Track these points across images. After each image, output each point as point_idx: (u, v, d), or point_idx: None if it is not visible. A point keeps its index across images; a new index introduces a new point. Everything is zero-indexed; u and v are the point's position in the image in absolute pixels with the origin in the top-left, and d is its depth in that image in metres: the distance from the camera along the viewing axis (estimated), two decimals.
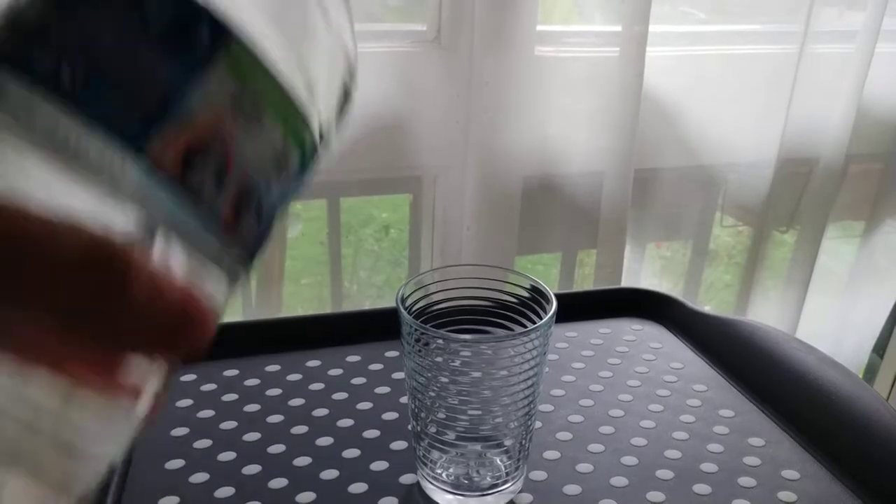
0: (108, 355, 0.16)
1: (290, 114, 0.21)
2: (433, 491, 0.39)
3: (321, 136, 0.23)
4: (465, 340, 0.36)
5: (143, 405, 0.18)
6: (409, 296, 0.37)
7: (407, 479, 0.40)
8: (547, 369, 0.50)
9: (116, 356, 0.16)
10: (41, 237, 0.15)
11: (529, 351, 0.35)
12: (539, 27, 0.74)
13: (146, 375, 0.17)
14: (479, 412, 0.37)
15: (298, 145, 0.22)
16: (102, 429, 0.17)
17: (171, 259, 0.17)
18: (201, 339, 0.17)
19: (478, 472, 0.38)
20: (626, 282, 0.90)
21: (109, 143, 0.17)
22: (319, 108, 0.22)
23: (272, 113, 0.20)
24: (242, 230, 0.20)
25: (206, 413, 0.45)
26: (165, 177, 0.17)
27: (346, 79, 0.24)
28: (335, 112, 0.24)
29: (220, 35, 0.19)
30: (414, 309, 0.38)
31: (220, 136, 0.19)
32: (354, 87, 0.24)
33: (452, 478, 0.38)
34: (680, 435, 0.44)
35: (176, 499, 0.38)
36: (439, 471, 0.38)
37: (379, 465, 0.41)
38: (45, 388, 0.16)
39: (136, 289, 0.16)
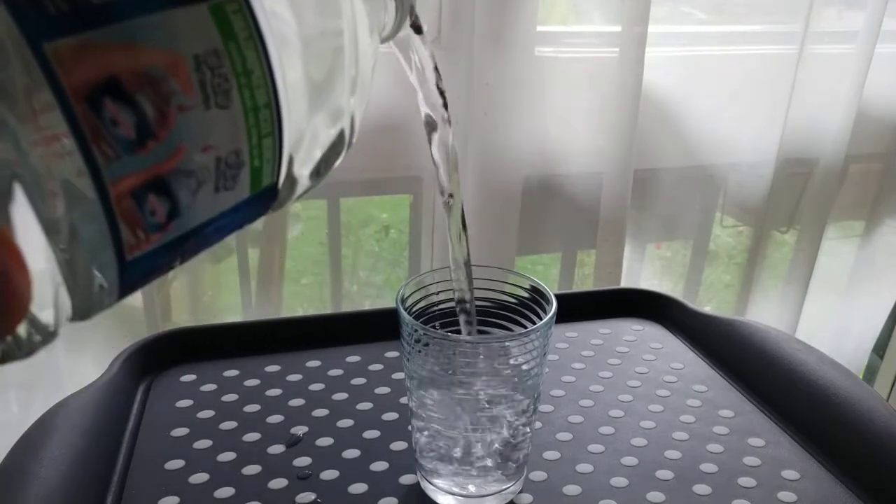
0: None
1: (265, 119, 0.16)
2: (433, 492, 0.39)
3: (282, 182, 0.18)
4: (465, 341, 0.36)
5: None
6: (409, 296, 0.37)
7: (407, 479, 0.40)
8: (547, 369, 0.50)
9: None
10: None
11: (529, 351, 0.35)
12: (539, 27, 0.74)
13: None
14: (479, 413, 0.37)
15: (256, 165, 0.17)
16: None
17: (12, 209, 0.13)
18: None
19: (478, 472, 0.38)
20: (626, 282, 0.90)
21: None
22: (298, 154, 0.18)
23: (245, 99, 0.16)
24: (136, 221, 0.14)
25: (206, 413, 0.45)
26: (60, 87, 0.13)
27: (329, 154, 0.20)
28: (308, 172, 0.19)
29: None
30: (414, 309, 0.38)
31: (164, 89, 0.14)
32: (328, 169, 0.20)
33: (452, 478, 0.38)
34: (680, 435, 0.44)
35: (176, 499, 0.38)
36: (439, 471, 0.38)
37: (379, 466, 0.41)
38: None
39: None
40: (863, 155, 0.96)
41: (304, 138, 0.18)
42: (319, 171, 0.20)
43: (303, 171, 0.19)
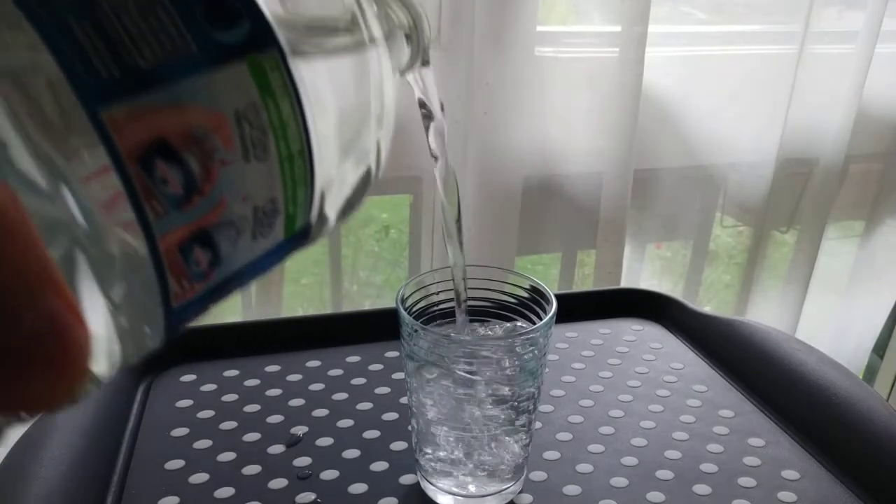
0: None
1: (298, 166, 0.17)
2: (433, 492, 0.39)
3: (311, 224, 0.19)
4: (465, 341, 0.36)
5: None
6: (409, 296, 0.37)
7: (407, 479, 0.40)
8: (547, 369, 0.50)
9: None
10: None
11: (529, 351, 0.35)
12: (539, 27, 0.74)
13: None
14: (479, 412, 0.37)
15: (291, 211, 0.17)
16: None
17: (72, 265, 0.13)
18: (58, 381, 0.12)
19: (478, 472, 0.38)
20: (626, 282, 0.90)
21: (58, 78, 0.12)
22: (329, 195, 0.19)
23: (281, 149, 0.16)
24: (182, 272, 0.15)
25: (206, 413, 0.45)
26: (115, 151, 0.13)
27: (356, 194, 0.21)
28: (337, 212, 0.20)
29: (262, 36, 0.16)
30: (414, 309, 0.38)
31: (209, 145, 0.15)
32: (355, 207, 0.21)
33: (452, 478, 0.38)
34: (680, 435, 0.44)
35: (176, 499, 0.38)
36: (439, 471, 0.38)
37: (379, 466, 0.41)
38: None
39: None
40: (863, 155, 0.96)
41: (334, 179, 0.19)
42: (346, 210, 0.21)
43: (332, 211, 0.20)
